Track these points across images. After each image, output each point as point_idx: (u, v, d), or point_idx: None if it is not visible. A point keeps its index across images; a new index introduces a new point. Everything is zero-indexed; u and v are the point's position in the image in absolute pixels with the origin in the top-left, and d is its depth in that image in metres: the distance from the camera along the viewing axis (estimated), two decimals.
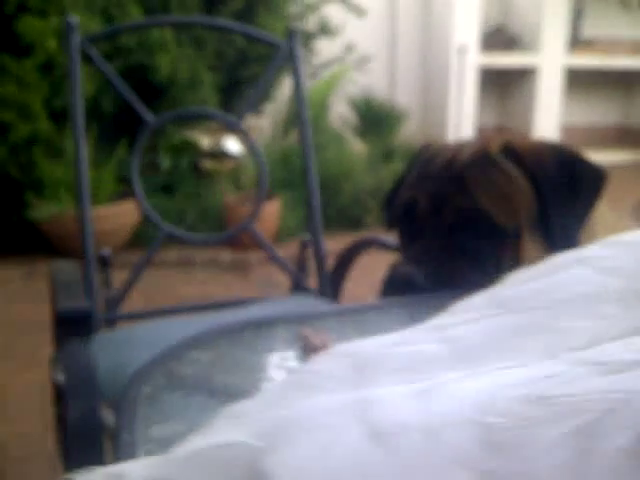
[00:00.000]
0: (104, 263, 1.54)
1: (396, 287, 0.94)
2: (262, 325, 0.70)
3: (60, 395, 1.38)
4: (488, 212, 0.94)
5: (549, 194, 0.95)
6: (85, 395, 1.05)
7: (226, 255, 3.76)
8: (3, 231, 3.72)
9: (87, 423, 1.04)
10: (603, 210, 1.01)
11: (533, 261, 0.86)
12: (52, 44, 3.39)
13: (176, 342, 0.67)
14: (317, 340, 0.66)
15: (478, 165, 0.98)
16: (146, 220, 3.71)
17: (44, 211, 3.46)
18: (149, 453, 0.51)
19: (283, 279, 2.72)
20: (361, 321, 0.75)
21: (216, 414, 0.56)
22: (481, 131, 1.21)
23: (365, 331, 0.73)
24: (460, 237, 0.96)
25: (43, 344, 2.63)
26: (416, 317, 0.71)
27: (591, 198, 0.97)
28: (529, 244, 0.96)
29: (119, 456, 0.50)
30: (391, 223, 1.16)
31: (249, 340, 0.69)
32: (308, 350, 0.66)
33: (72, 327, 1.04)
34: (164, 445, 0.52)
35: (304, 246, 1.79)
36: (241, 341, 0.69)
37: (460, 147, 1.02)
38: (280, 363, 0.66)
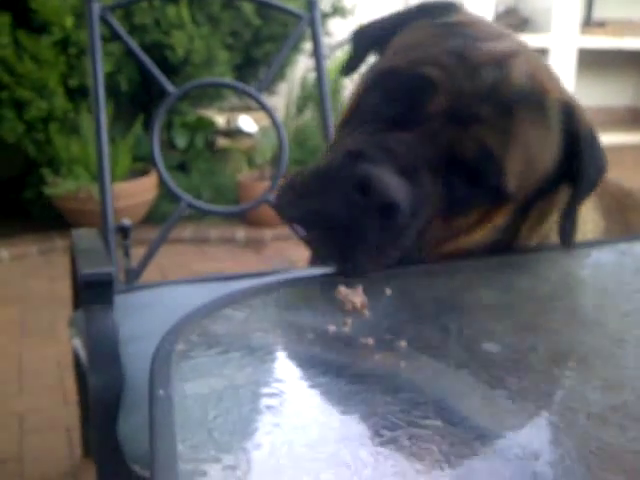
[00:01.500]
0: (124, 234, 1.50)
1: (357, 188, 0.65)
2: (297, 283, 0.66)
3: (77, 359, 1.35)
4: (508, 172, 0.73)
5: (586, 174, 0.79)
6: (108, 364, 1.02)
7: (241, 232, 3.72)
8: (19, 207, 3.70)
9: (109, 392, 1.01)
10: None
11: (496, 229, 0.78)
12: (68, 21, 3.35)
13: (208, 301, 0.63)
14: (356, 298, 0.62)
15: (531, 107, 0.75)
16: (163, 195, 3.68)
17: (60, 188, 3.43)
18: (185, 410, 0.47)
19: (298, 256, 2.68)
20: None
21: (254, 371, 0.52)
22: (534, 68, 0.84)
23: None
24: (460, 173, 0.73)
25: (60, 319, 2.61)
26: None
27: (594, 187, 0.83)
28: (505, 212, 0.77)
29: (154, 413, 0.46)
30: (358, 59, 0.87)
31: (284, 298, 0.65)
32: (346, 308, 0.62)
33: (94, 292, 1.00)
34: (200, 401, 0.48)
35: None
36: (276, 299, 0.65)
37: (511, 53, 0.77)
38: (316, 321, 0.62)
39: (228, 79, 3.58)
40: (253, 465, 0.42)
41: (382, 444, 0.44)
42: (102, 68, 1.56)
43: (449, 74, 0.72)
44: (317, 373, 0.53)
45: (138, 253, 1.57)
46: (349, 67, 0.89)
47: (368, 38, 0.88)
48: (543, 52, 6.59)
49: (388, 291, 0.66)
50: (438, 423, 0.47)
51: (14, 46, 3.31)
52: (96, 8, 1.53)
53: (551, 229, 0.85)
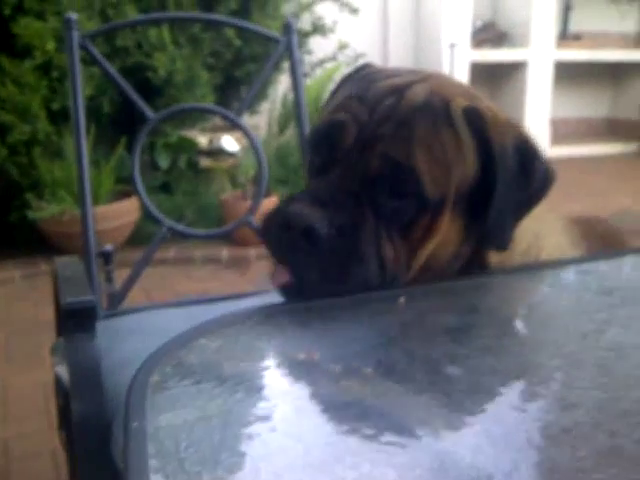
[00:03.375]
0: (106, 259, 1.52)
1: (284, 227, 0.76)
2: (268, 312, 0.69)
3: (60, 386, 1.36)
4: (420, 174, 0.79)
5: (500, 177, 0.82)
6: (91, 392, 1.04)
7: (225, 252, 3.74)
8: (3, 231, 3.70)
9: (92, 419, 1.03)
10: (539, 213, 0.89)
11: (447, 241, 0.82)
12: (50, 45, 3.37)
13: (183, 331, 0.65)
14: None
15: (431, 115, 0.82)
16: (146, 217, 3.70)
17: (44, 211, 3.43)
18: (158, 440, 0.49)
19: None
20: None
21: (225, 402, 0.55)
22: (442, 81, 0.95)
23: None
24: (377, 190, 0.80)
25: (45, 344, 2.60)
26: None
27: (538, 196, 0.86)
28: (448, 221, 0.82)
29: (128, 444, 0.49)
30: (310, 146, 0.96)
31: (256, 327, 0.68)
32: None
33: (76, 321, 1.02)
34: (173, 432, 0.50)
35: None
36: (249, 328, 0.67)
37: (411, 82, 0.85)
38: (286, 349, 0.64)
39: (208, 103, 3.61)
40: None
41: (344, 470, 0.47)
42: (82, 94, 1.58)
43: (353, 113, 0.82)
44: (285, 402, 0.55)
45: (122, 274, 1.59)
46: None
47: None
48: (522, 65, 6.68)
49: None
50: (398, 448, 0.50)
51: None
52: (76, 36, 1.56)
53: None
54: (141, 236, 3.70)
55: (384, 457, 0.48)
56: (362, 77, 0.90)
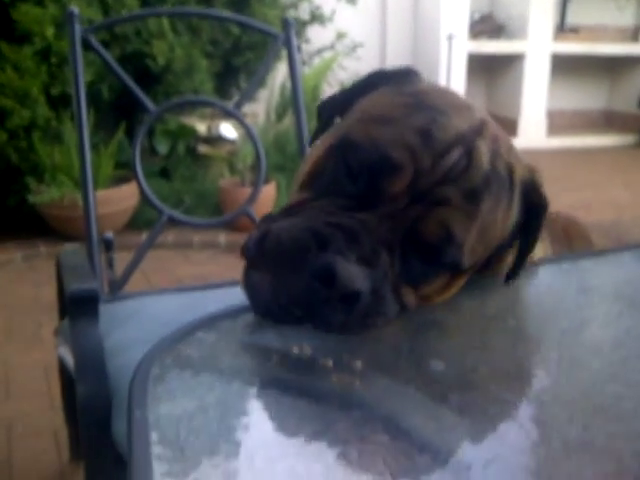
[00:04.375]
0: (107, 246, 1.55)
1: (322, 280, 0.65)
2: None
3: (63, 366, 1.40)
4: (465, 249, 0.72)
5: (532, 240, 0.81)
6: (94, 375, 1.07)
7: (223, 237, 3.77)
8: (4, 215, 3.73)
9: (97, 403, 1.06)
10: None
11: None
12: (49, 32, 3.38)
13: (181, 325, 0.68)
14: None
15: (496, 187, 0.73)
16: (146, 202, 3.72)
17: (44, 195, 3.46)
18: (160, 429, 0.52)
19: None
20: None
21: (222, 392, 0.58)
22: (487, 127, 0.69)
23: None
24: (416, 252, 0.72)
25: (45, 324, 2.65)
26: None
27: (537, 238, 0.83)
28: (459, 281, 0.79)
29: (132, 432, 0.52)
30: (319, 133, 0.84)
31: (251, 321, 0.71)
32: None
33: (80, 307, 1.06)
34: (173, 421, 0.53)
35: None
36: (243, 322, 0.71)
37: (474, 131, 0.74)
38: (279, 343, 0.67)
39: (206, 90, 3.63)
40: (219, 479, 0.47)
41: (334, 458, 0.50)
42: (83, 83, 1.60)
43: (414, 155, 0.71)
44: (279, 393, 0.59)
45: (123, 258, 1.62)
46: (316, 138, 0.88)
47: (332, 108, 0.87)
48: (519, 58, 6.68)
49: None
50: (385, 438, 0.53)
51: None
52: (78, 30, 1.58)
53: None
54: (140, 221, 3.73)
55: (372, 447, 0.51)
56: (421, 98, 0.76)
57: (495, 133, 0.78)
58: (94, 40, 1.61)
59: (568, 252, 1.04)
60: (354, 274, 0.65)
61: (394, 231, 0.70)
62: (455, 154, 0.71)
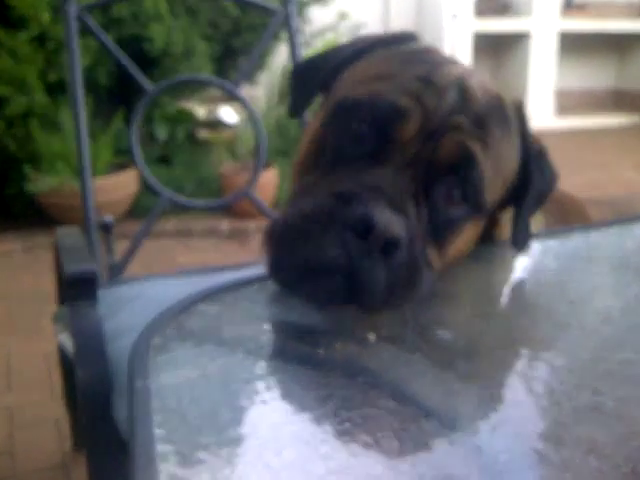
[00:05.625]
0: (106, 230, 1.55)
1: (358, 231, 0.63)
2: (264, 280, 0.72)
3: (64, 353, 1.40)
4: (485, 181, 0.73)
5: (534, 177, 0.81)
6: (94, 357, 1.07)
7: (224, 224, 3.77)
8: (3, 205, 3.73)
9: (97, 386, 1.06)
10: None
11: (473, 241, 0.79)
12: (45, 17, 3.37)
13: (183, 297, 0.68)
14: None
15: (496, 118, 0.77)
16: (145, 189, 3.72)
17: (42, 184, 3.46)
18: (161, 397, 0.52)
19: None
20: None
21: (224, 361, 0.58)
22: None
23: None
24: (441, 187, 0.72)
25: (46, 315, 2.65)
26: None
27: (547, 195, 0.85)
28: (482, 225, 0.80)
29: (134, 401, 0.52)
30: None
31: (253, 294, 0.71)
32: None
33: (78, 289, 1.06)
34: (175, 390, 0.54)
35: None
36: (246, 295, 0.71)
37: (467, 76, 0.78)
38: (282, 314, 0.67)
39: (205, 73, 3.62)
40: (222, 444, 0.47)
41: (339, 423, 0.50)
42: (80, 66, 1.60)
43: (419, 99, 0.72)
44: (282, 361, 0.59)
45: (123, 246, 1.62)
46: (297, 107, 0.88)
47: (312, 76, 0.86)
48: (525, 36, 6.65)
49: None
50: (390, 404, 0.53)
51: None
52: (73, 9, 1.57)
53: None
54: (140, 209, 3.72)
55: (376, 411, 0.52)
56: (417, 55, 0.81)
57: (481, 76, 0.81)
58: (90, 20, 1.60)
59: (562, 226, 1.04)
60: (392, 219, 0.64)
61: (415, 179, 0.70)
62: (453, 92, 0.74)
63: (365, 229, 0.63)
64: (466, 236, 0.77)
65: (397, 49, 0.82)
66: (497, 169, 0.75)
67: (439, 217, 0.72)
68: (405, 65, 0.77)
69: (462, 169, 0.72)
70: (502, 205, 0.82)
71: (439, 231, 0.73)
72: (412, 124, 0.71)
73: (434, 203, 0.72)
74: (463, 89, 0.75)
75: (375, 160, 0.71)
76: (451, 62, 0.81)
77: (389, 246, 0.64)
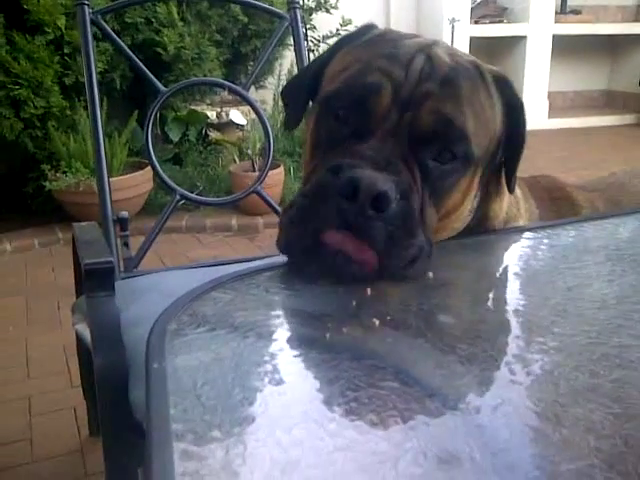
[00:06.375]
0: (123, 225, 1.55)
1: (350, 192, 0.67)
2: (275, 268, 0.72)
3: (81, 343, 1.40)
4: (469, 134, 0.76)
5: (522, 133, 0.85)
6: (111, 346, 1.07)
7: (234, 220, 3.77)
8: (21, 202, 3.74)
9: (114, 372, 1.06)
10: None
11: (469, 198, 0.82)
12: (62, 21, 3.37)
13: (197, 285, 0.68)
14: None
15: (468, 75, 0.80)
16: (159, 187, 3.72)
17: (60, 182, 3.46)
18: (177, 379, 0.52)
19: None
20: None
21: (237, 345, 0.58)
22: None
23: None
24: (427, 150, 0.75)
25: (63, 307, 2.67)
26: None
27: (524, 143, 0.88)
28: (476, 180, 0.82)
29: (150, 383, 0.52)
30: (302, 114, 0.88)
31: (265, 282, 0.71)
32: None
33: (96, 280, 1.06)
34: (190, 372, 0.54)
35: None
36: (258, 283, 0.71)
37: (428, 44, 0.83)
38: (292, 301, 0.67)
39: (215, 77, 3.61)
40: (234, 423, 0.47)
41: (346, 403, 0.50)
42: (95, 69, 1.60)
43: (387, 73, 0.77)
44: (292, 345, 0.59)
45: (138, 242, 1.62)
46: (290, 123, 0.92)
47: (299, 89, 0.91)
48: (521, 40, 6.62)
49: None
50: (395, 384, 0.53)
51: (9, 46, 3.33)
52: (87, 13, 1.57)
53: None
54: (154, 206, 3.73)
55: (382, 393, 0.51)
56: (378, 38, 0.85)
57: (446, 44, 0.86)
58: (103, 24, 1.60)
59: (554, 214, 1.04)
60: (375, 177, 0.68)
61: (400, 144, 0.74)
62: (419, 60, 0.78)
63: (352, 191, 0.67)
64: (461, 189, 0.80)
65: (360, 40, 0.87)
66: (476, 117, 0.78)
67: (432, 174, 0.76)
68: (369, 49, 0.81)
69: (443, 132, 0.75)
70: (493, 161, 0.85)
71: (435, 187, 0.76)
72: (384, 97, 0.75)
73: (425, 164, 0.75)
74: (428, 56, 0.79)
75: (359, 136, 0.75)
76: (414, 36, 0.85)
77: (380, 202, 0.67)
